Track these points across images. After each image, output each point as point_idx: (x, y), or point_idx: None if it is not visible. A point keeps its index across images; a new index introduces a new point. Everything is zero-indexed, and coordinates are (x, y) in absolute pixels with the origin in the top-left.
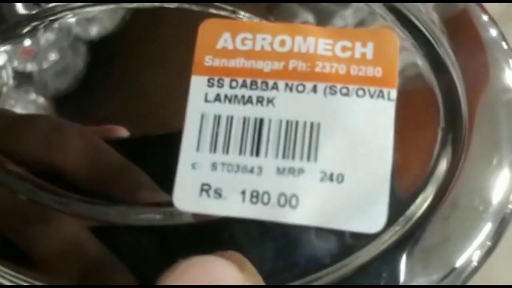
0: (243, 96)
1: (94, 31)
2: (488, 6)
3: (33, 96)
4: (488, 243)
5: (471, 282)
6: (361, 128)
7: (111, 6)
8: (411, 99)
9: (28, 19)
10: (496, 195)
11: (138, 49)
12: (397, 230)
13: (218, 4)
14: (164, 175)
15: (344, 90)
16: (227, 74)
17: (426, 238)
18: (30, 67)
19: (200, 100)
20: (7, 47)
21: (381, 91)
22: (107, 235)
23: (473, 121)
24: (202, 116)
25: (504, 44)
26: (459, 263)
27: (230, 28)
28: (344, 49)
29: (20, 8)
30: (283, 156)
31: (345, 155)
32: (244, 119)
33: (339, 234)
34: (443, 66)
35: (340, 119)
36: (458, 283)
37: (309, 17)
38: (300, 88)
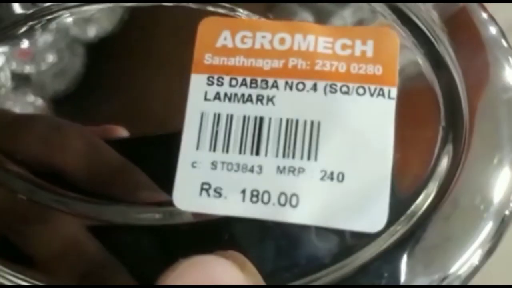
0: (243, 95)
1: (92, 31)
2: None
3: (31, 97)
4: (489, 243)
5: (472, 282)
6: (361, 127)
7: (108, 5)
8: (412, 98)
9: (24, 18)
10: (497, 194)
11: (137, 48)
12: (398, 230)
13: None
14: (164, 174)
15: (344, 89)
16: (227, 73)
17: (427, 238)
18: (28, 68)
19: (200, 99)
20: (4, 48)
21: (381, 90)
22: (106, 235)
23: (473, 120)
24: (202, 115)
25: (504, 42)
26: (460, 262)
27: (229, 26)
28: (344, 47)
29: (16, 7)
30: (283, 155)
31: (345, 154)
32: (244, 117)
33: (339, 234)
34: (444, 64)
35: (340, 117)
36: (459, 283)
37: (309, 16)
38: (300, 86)
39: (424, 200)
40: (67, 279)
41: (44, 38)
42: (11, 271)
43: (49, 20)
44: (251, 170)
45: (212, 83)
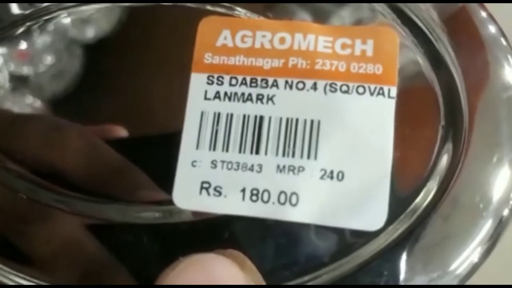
0: (243, 94)
1: (90, 32)
2: None
3: (30, 99)
4: (488, 241)
5: (471, 281)
6: (361, 126)
7: (106, 5)
8: (411, 97)
9: (22, 19)
10: (497, 193)
11: (136, 48)
12: (398, 228)
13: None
14: (164, 173)
15: (344, 88)
16: (227, 72)
17: (427, 236)
18: (26, 70)
19: (200, 98)
20: (2, 49)
21: (381, 89)
22: (106, 234)
23: (473, 118)
24: (202, 114)
25: (503, 40)
26: (459, 261)
27: (230, 25)
28: (344, 46)
29: (14, 8)
30: (283, 154)
31: (345, 152)
32: (244, 116)
33: (339, 232)
34: (443, 63)
35: (340, 116)
36: (458, 282)
37: (309, 15)
38: (300, 85)
39: (424, 198)
40: (67, 278)
41: (42, 39)
42: (11, 270)
43: (47, 21)
44: (251, 169)
45: (212, 82)
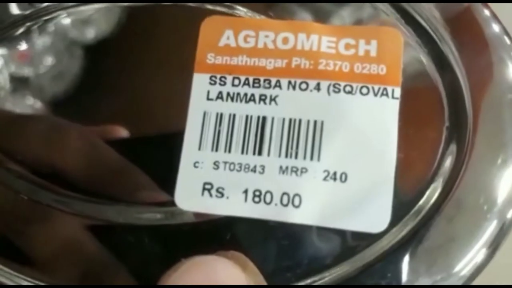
0: (245, 94)
1: (91, 32)
2: None
3: (30, 100)
4: (493, 243)
5: (475, 282)
6: (365, 127)
7: (107, 5)
8: (415, 98)
9: (22, 19)
10: (501, 194)
11: (139, 48)
12: (401, 230)
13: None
14: (166, 174)
15: (348, 88)
16: (230, 72)
17: (431, 238)
18: (27, 71)
19: (202, 98)
20: (2, 50)
21: (385, 89)
22: (108, 234)
23: (477, 119)
24: (204, 115)
25: (507, 40)
26: (463, 263)
27: (232, 25)
28: (347, 46)
29: (14, 8)
30: (286, 155)
31: (348, 153)
32: (247, 117)
33: (342, 234)
34: (447, 64)
35: (344, 117)
36: (462, 283)
37: (310, 14)
38: (303, 86)
39: (428, 200)
40: (67, 279)
41: (42, 40)
42: (11, 270)
43: (47, 21)
44: (254, 170)
45: (215, 83)
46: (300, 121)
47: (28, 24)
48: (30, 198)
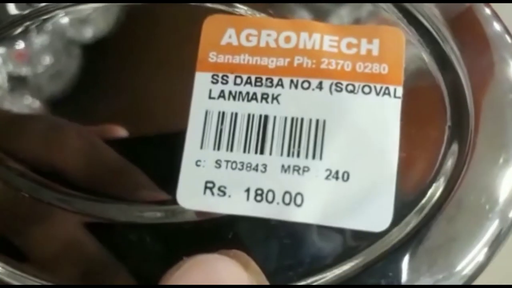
0: (247, 93)
1: (92, 31)
2: None
3: (28, 99)
4: (494, 242)
5: (476, 282)
6: (367, 126)
7: (105, 4)
8: (417, 97)
9: (20, 19)
10: (503, 194)
11: (140, 47)
12: (403, 229)
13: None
14: (168, 173)
15: (350, 87)
16: (232, 71)
17: (432, 237)
18: (25, 70)
19: (204, 97)
20: (0, 50)
21: (387, 88)
22: (109, 233)
23: (479, 119)
24: (206, 113)
25: (508, 38)
26: (464, 262)
27: (234, 24)
28: (349, 45)
29: (12, 8)
30: (288, 154)
31: (350, 153)
32: (249, 116)
33: (344, 233)
34: (449, 63)
35: (346, 116)
36: (464, 282)
37: (312, 13)
38: (306, 85)
39: (429, 199)
40: (68, 277)
41: (40, 39)
42: (12, 268)
43: (45, 20)
44: (256, 169)
45: (217, 81)
46: (302, 120)
47: (26, 23)
48: (31, 196)
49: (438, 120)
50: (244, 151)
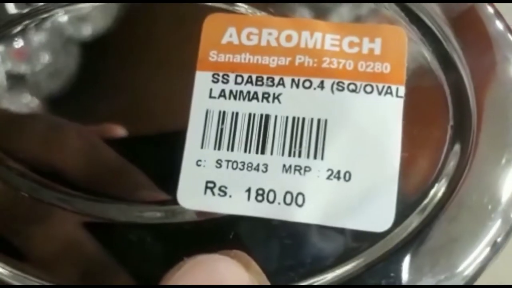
0: (248, 92)
1: (90, 30)
2: None
3: (27, 98)
4: (497, 242)
5: (478, 282)
6: (368, 125)
7: (104, 3)
8: (420, 96)
9: (19, 18)
10: (505, 194)
11: (140, 46)
12: (405, 229)
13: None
14: (168, 172)
15: (352, 86)
16: (232, 70)
17: (434, 237)
18: (24, 69)
19: (205, 96)
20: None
21: (389, 88)
22: (109, 233)
23: (481, 118)
24: (207, 113)
25: (510, 37)
26: (467, 262)
27: (235, 22)
28: (351, 44)
29: (11, 8)
30: (289, 154)
31: (352, 152)
32: (250, 115)
33: (346, 233)
34: (452, 63)
35: (348, 115)
36: (466, 282)
37: (313, 11)
38: (307, 84)
39: (432, 199)
40: (68, 277)
41: (39, 37)
42: (12, 268)
43: (44, 19)
44: (257, 168)
45: (217, 81)
46: (303, 119)
47: (25, 22)
48: (31, 196)
49: (440, 119)
50: (245, 151)
